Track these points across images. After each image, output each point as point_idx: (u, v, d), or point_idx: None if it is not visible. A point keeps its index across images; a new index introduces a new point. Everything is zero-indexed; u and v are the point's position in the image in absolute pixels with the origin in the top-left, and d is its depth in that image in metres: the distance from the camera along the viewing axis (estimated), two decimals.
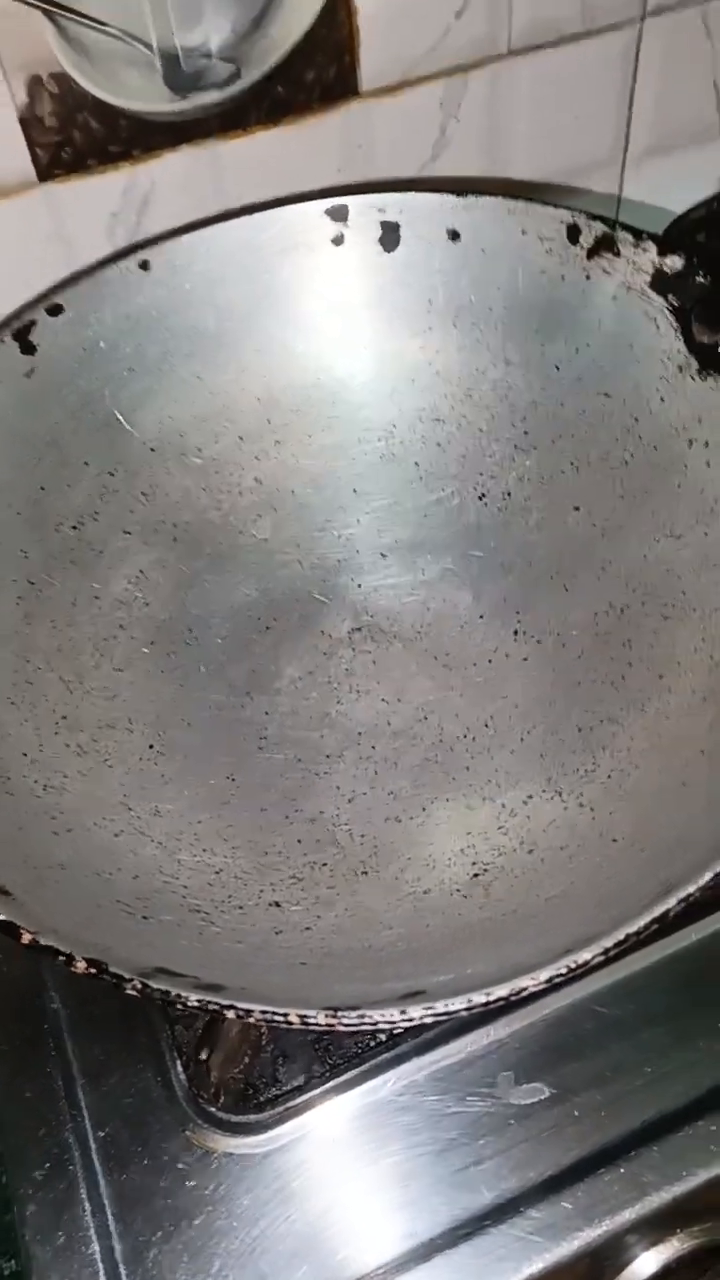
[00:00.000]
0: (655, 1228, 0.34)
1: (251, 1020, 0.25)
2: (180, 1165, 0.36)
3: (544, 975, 0.25)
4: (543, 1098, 0.35)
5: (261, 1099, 0.36)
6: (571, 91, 0.52)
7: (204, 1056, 0.36)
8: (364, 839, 0.36)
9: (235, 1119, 0.36)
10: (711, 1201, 0.34)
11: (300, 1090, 0.36)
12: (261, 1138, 0.36)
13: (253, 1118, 0.36)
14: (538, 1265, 0.33)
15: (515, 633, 0.40)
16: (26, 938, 0.27)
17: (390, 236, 0.44)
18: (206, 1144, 0.36)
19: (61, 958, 0.27)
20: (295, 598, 0.43)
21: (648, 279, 0.41)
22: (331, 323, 0.45)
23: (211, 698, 0.40)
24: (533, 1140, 0.35)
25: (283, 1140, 0.36)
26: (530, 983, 0.25)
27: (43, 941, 0.27)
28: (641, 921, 0.26)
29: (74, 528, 0.43)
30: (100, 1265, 0.34)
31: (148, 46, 0.43)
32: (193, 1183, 0.35)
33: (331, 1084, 0.36)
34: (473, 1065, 0.36)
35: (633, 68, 0.53)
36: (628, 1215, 0.33)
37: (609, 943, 0.26)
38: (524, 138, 0.53)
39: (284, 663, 0.41)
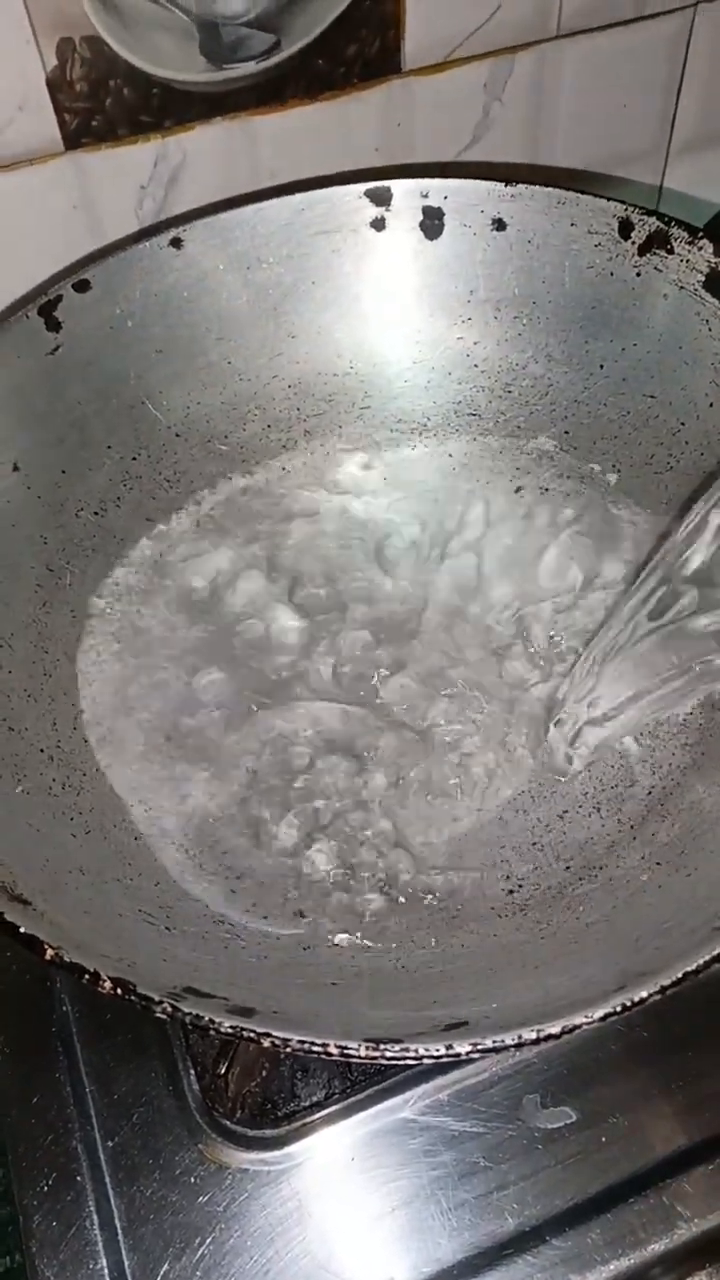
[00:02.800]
0: (683, 1262, 0.33)
1: (288, 1050, 0.24)
2: (193, 1180, 0.35)
3: (598, 1013, 0.24)
4: (569, 1122, 0.34)
5: (279, 1114, 0.35)
6: (618, 78, 0.50)
7: (222, 1070, 0.34)
8: (394, 847, 0.35)
9: (251, 1134, 0.35)
10: None
11: (319, 1106, 0.35)
12: (278, 1154, 0.35)
13: (269, 1133, 0.35)
14: None
15: (550, 636, 0.39)
16: (49, 954, 0.26)
17: (433, 223, 0.43)
18: (220, 1158, 0.35)
19: (86, 977, 0.25)
20: (319, 586, 0.41)
21: (702, 279, 0.39)
22: (369, 309, 0.44)
23: (234, 688, 0.39)
24: (558, 1166, 0.34)
25: (299, 1158, 0.35)
26: (584, 1020, 0.24)
27: (67, 959, 0.26)
28: (699, 960, 0.25)
29: (95, 513, 0.42)
30: None
31: (185, 12, 0.41)
32: (205, 1198, 0.34)
33: (351, 1101, 0.35)
34: (497, 1086, 0.35)
35: (683, 55, 0.51)
36: (656, 1247, 0.32)
37: (665, 980, 0.25)
38: (567, 123, 0.51)
39: (309, 652, 0.40)
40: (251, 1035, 0.24)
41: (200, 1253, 0.33)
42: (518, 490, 0.42)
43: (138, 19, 0.41)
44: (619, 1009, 0.24)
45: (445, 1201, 0.34)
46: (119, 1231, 0.34)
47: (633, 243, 0.41)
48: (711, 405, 0.40)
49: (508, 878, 0.33)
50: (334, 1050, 0.24)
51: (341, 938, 0.32)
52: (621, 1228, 0.33)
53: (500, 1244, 0.33)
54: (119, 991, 0.25)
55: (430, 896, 0.33)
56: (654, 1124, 0.34)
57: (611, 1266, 0.32)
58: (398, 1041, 0.24)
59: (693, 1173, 0.33)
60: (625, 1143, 0.34)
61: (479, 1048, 0.24)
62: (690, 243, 0.40)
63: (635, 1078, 0.35)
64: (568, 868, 0.33)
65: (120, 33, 0.41)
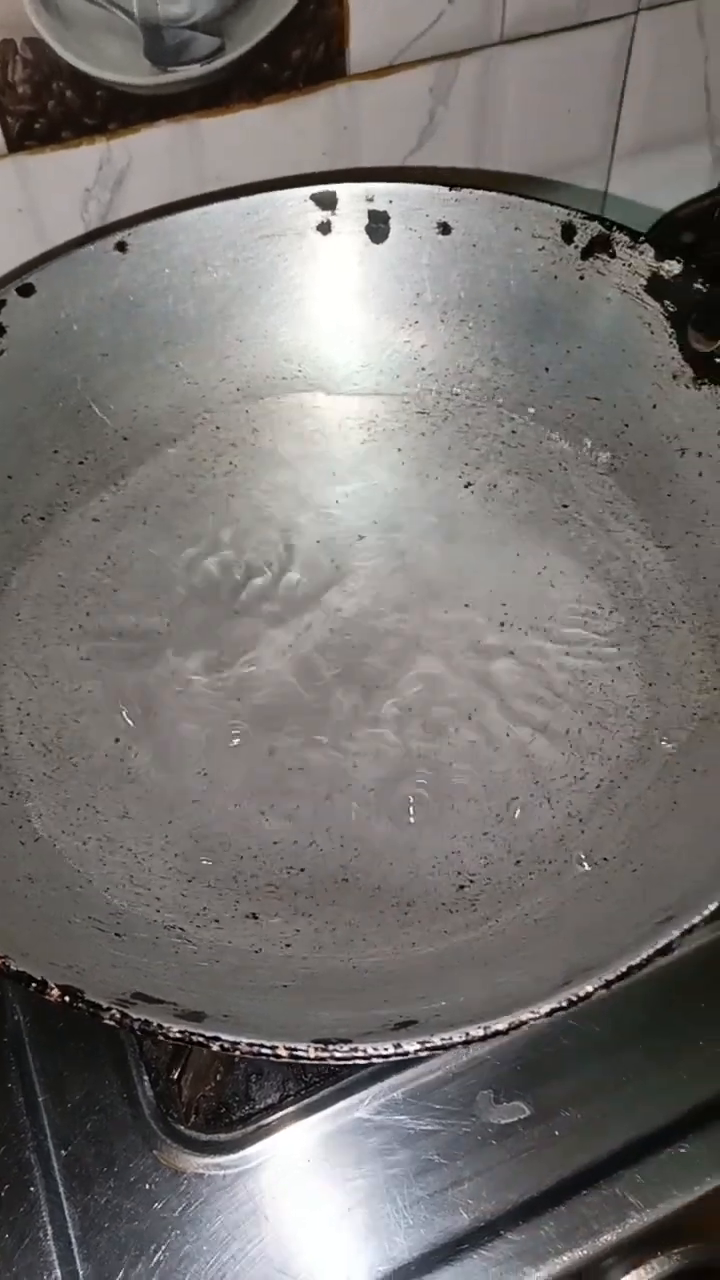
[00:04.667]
0: (636, 1250, 0.33)
1: (237, 1054, 0.24)
2: (148, 1186, 0.34)
3: (544, 1008, 0.24)
4: (522, 1117, 0.35)
5: (233, 1118, 0.35)
6: (563, 83, 0.51)
7: (175, 1075, 0.34)
8: (343, 840, 0.35)
9: (205, 1138, 0.35)
10: (692, 1223, 0.33)
11: (273, 1109, 0.35)
12: (233, 1158, 0.35)
13: (224, 1137, 0.35)
14: None
15: (501, 624, 0.39)
16: None
17: (379, 227, 0.43)
18: (175, 1164, 0.35)
19: (34, 985, 0.25)
20: (270, 578, 0.41)
21: (644, 283, 0.40)
22: (316, 313, 0.44)
23: (181, 686, 0.39)
24: (512, 1160, 0.34)
25: (255, 1160, 0.35)
26: (530, 1016, 0.24)
27: (13, 967, 0.26)
28: (643, 954, 0.25)
29: (41, 518, 0.42)
30: None
31: (129, 15, 0.41)
32: (160, 1204, 0.34)
33: (306, 1102, 0.35)
34: (451, 1083, 0.35)
35: (625, 62, 0.52)
36: (609, 1238, 0.33)
37: (610, 975, 0.25)
38: (512, 128, 0.52)
39: (258, 647, 0.40)
40: (201, 1040, 0.24)
41: (156, 1259, 0.33)
42: (467, 486, 0.43)
43: (80, 21, 0.41)
44: (564, 1004, 0.24)
45: (401, 1200, 0.34)
46: (73, 1241, 0.34)
47: (576, 247, 0.41)
48: (655, 407, 0.41)
49: (459, 872, 0.34)
50: (283, 1052, 0.24)
51: (293, 940, 0.32)
52: (575, 1219, 0.33)
53: (456, 1240, 0.33)
54: (67, 999, 0.25)
55: (383, 893, 0.34)
56: (605, 1117, 0.35)
57: (565, 1258, 0.32)
58: (346, 1042, 0.24)
59: (643, 1163, 0.34)
60: (577, 1136, 0.34)
61: (427, 1046, 0.24)
62: (632, 247, 0.40)
63: (587, 1072, 0.36)
64: (518, 862, 0.34)
65: (63, 35, 0.41)
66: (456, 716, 0.38)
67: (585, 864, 0.32)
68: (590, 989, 0.25)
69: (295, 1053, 0.24)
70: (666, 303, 0.40)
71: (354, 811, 0.36)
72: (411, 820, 0.35)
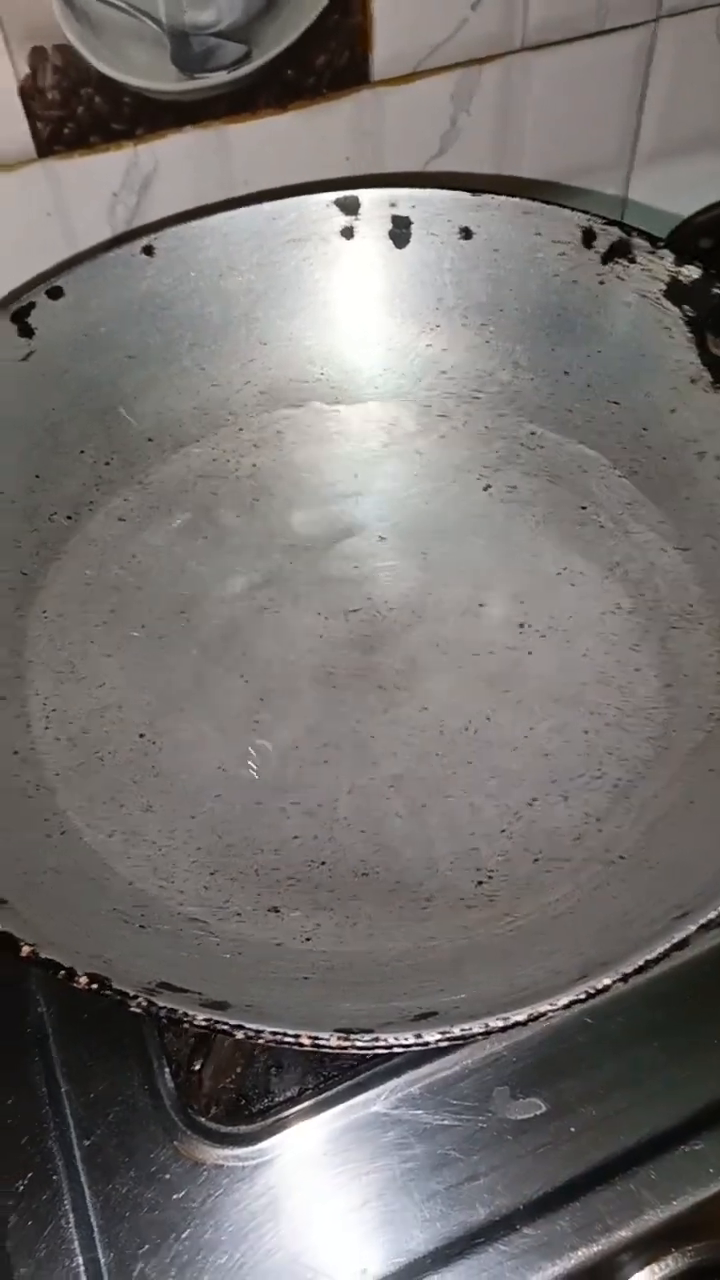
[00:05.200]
0: (650, 1247, 0.33)
1: (261, 1041, 0.25)
2: (168, 1176, 0.35)
3: (562, 1001, 0.25)
4: (539, 1113, 0.35)
5: (253, 1110, 0.36)
6: (583, 90, 0.51)
7: (197, 1067, 0.35)
8: (363, 835, 0.36)
9: (225, 1130, 0.35)
10: (707, 1221, 0.34)
11: (293, 1102, 0.35)
12: (252, 1150, 0.35)
13: (243, 1129, 0.35)
14: None
15: (520, 625, 0.40)
16: (26, 950, 0.26)
17: (401, 231, 0.44)
18: (195, 1155, 0.35)
19: (62, 973, 0.26)
20: (291, 579, 0.42)
21: (663, 287, 0.40)
22: (339, 316, 0.44)
23: (204, 682, 0.39)
24: (528, 1156, 0.34)
25: (274, 1153, 0.35)
26: (549, 1008, 0.25)
27: (43, 955, 0.26)
28: (659, 948, 0.26)
29: (69, 518, 0.42)
30: (84, 1278, 0.33)
31: (157, 23, 0.42)
32: (180, 1195, 0.35)
33: (324, 1096, 0.35)
34: (468, 1079, 0.36)
35: (645, 69, 0.52)
36: (624, 1234, 0.33)
37: (627, 969, 0.25)
38: (533, 134, 0.52)
39: (279, 646, 0.40)
40: (225, 1028, 0.25)
41: (175, 1249, 0.34)
42: (486, 489, 0.43)
43: (109, 28, 0.42)
44: (583, 996, 0.25)
45: (417, 1193, 0.34)
46: (95, 1229, 0.34)
47: (596, 252, 0.42)
48: (673, 411, 0.41)
49: (477, 868, 0.34)
50: (306, 1041, 0.25)
51: (313, 933, 0.33)
52: (590, 1215, 0.33)
53: (472, 1233, 0.33)
54: (95, 987, 0.26)
55: (402, 888, 0.34)
56: (621, 1113, 0.35)
57: (581, 1253, 0.33)
58: (368, 1031, 0.25)
59: (659, 1160, 0.34)
60: (593, 1132, 0.35)
61: (447, 1036, 0.24)
62: (651, 252, 0.41)
63: (603, 1069, 0.36)
64: (535, 859, 0.34)
65: (92, 42, 0.42)
66: (475, 716, 0.38)
67: (602, 862, 0.33)
68: (607, 982, 0.25)
69: (318, 1041, 0.24)
70: (685, 307, 0.40)
71: (374, 807, 0.36)
72: (430, 817, 0.36)
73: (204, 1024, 0.25)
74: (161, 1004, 0.25)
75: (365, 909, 0.33)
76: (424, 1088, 0.36)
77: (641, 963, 0.25)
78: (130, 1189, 0.35)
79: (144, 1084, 0.36)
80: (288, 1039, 0.25)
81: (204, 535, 0.43)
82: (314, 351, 0.45)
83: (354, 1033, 0.25)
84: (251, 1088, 0.36)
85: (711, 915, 0.26)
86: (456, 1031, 0.24)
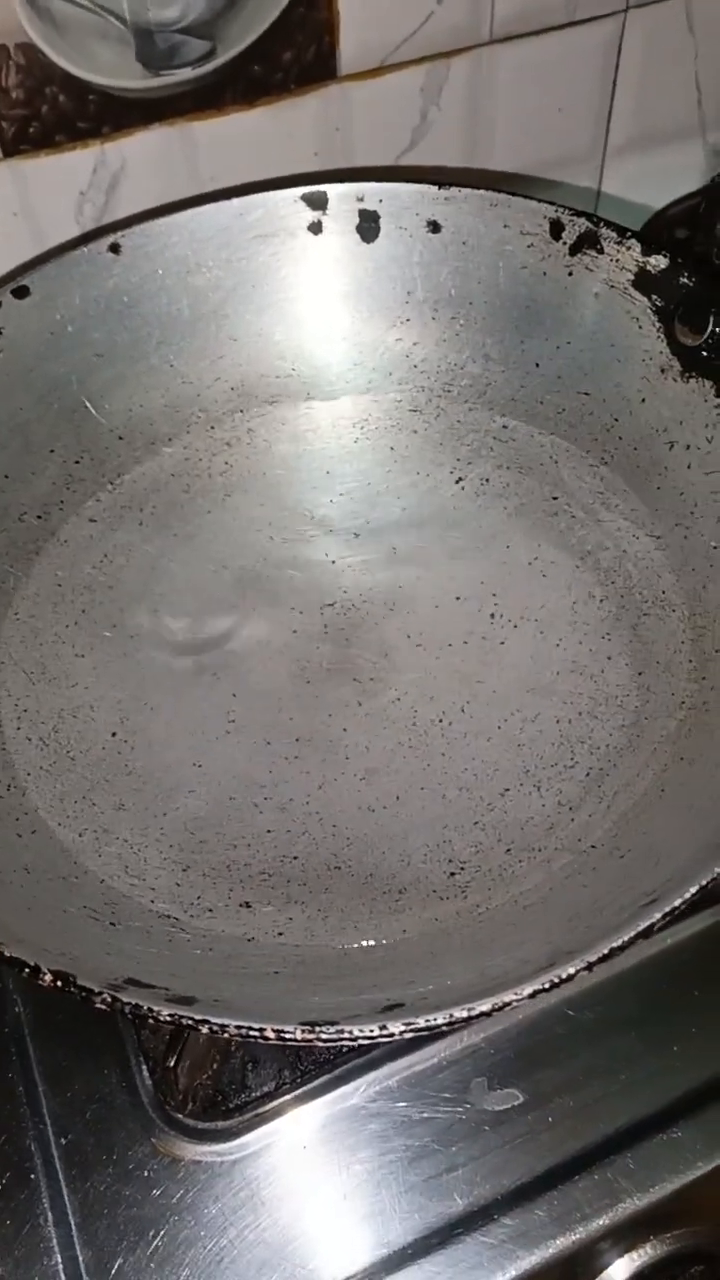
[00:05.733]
0: (628, 1234, 0.33)
1: (226, 1036, 0.25)
2: (146, 1173, 0.35)
3: (527, 990, 0.25)
4: (516, 1104, 0.35)
5: (230, 1105, 0.35)
6: (553, 82, 0.51)
7: (172, 1063, 0.35)
8: (335, 829, 0.36)
9: (203, 1126, 0.35)
10: (684, 1208, 0.34)
11: (270, 1097, 0.35)
12: (230, 1145, 0.35)
13: (221, 1124, 0.35)
14: (511, 1273, 0.32)
15: (491, 616, 0.40)
16: None
17: (369, 226, 0.43)
18: (173, 1151, 0.35)
19: (27, 970, 0.26)
20: (264, 575, 0.42)
21: (631, 277, 0.40)
22: (308, 312, 0.44)
23: (176, 680, 0.39)
24: (506, 1146, 0.34)
25: (252, 1147, 0.35)
26: (513, 997, 0.25)
27: (8, 953, 0.26)
28: (625, 936, 0.26)
29: (39, 517, 0.42)
30: (63, 1276, 0.33)
31: (121, 20, 0.42)
32: (159, 1191, 0.35)
33: (302, 1090, 0.35)
34: (445, 1071, 0.36)
35: (615, 60, 0.52)
36: (601, 1222, 0.33)
37: (592, 957, 0.25)
38: (504, 127, 0.52)
39: (252, 642, 0.40)
40: (190, 1022, 0.25)
41: (154, 1245, 0.34)
42: (458, 482, 0.43)
43: (73, 27, 0.42)
44: (546, 986, 0.25)
45: (396, 1185, 0.34)
46: (73, 1227, 0.34)
47: (564, 243, 0.42)
48: (644, 400, 0.41)
49: (450, 860, 0.34)
50: (270, 1034, 0.25)
51: (285, 928, 0.33)
52: (568, 1204, 0.33)
53: (451, 1224, 0.33)
54: (59, 984, 0.25)
55: (375, 881, 0.34)
56: (598, 1103, 0.35)
57: (559, 1242, 0.33)
58: (333, 1024, 0.25)
59: (636, 1148, 0.34)
60: (571, 1122, 0.35)
61: (412, 1027, 0.24)
62: (619, 243, 0.41)
63: (580, 1059, 0.36)
64: (508, 850, 0.34)
65: (55, 40, 0.42)
66: (449, 707, 0.38)
67: (573, 851, 0.33)
68: (572, 971, 0.25)
69: (283, 1034, 0.24)
70: (654, 297, 0.40)
71: (346, 801, 0.36)
72: (403, 809, 0.36)
73: (169, 1019, 0.25)
74: (126, 999, 0.25)
75: (338, 902, 0.33)
76: (402, 1080, 0.36)
77: (607, 950, 0.25)
78: (108, 1186, 0.35)
79: (121, 1082, 0.36)
80: (252, 1032, 0.25)
81: (175, 533, 0.43)
82: (284, 347, 0.45)
83: (319, 1025, 0.25)
84: (228, 1083, 0.36)
85: (679, 902, 0.26)
86: (421, 1023, 0.24)
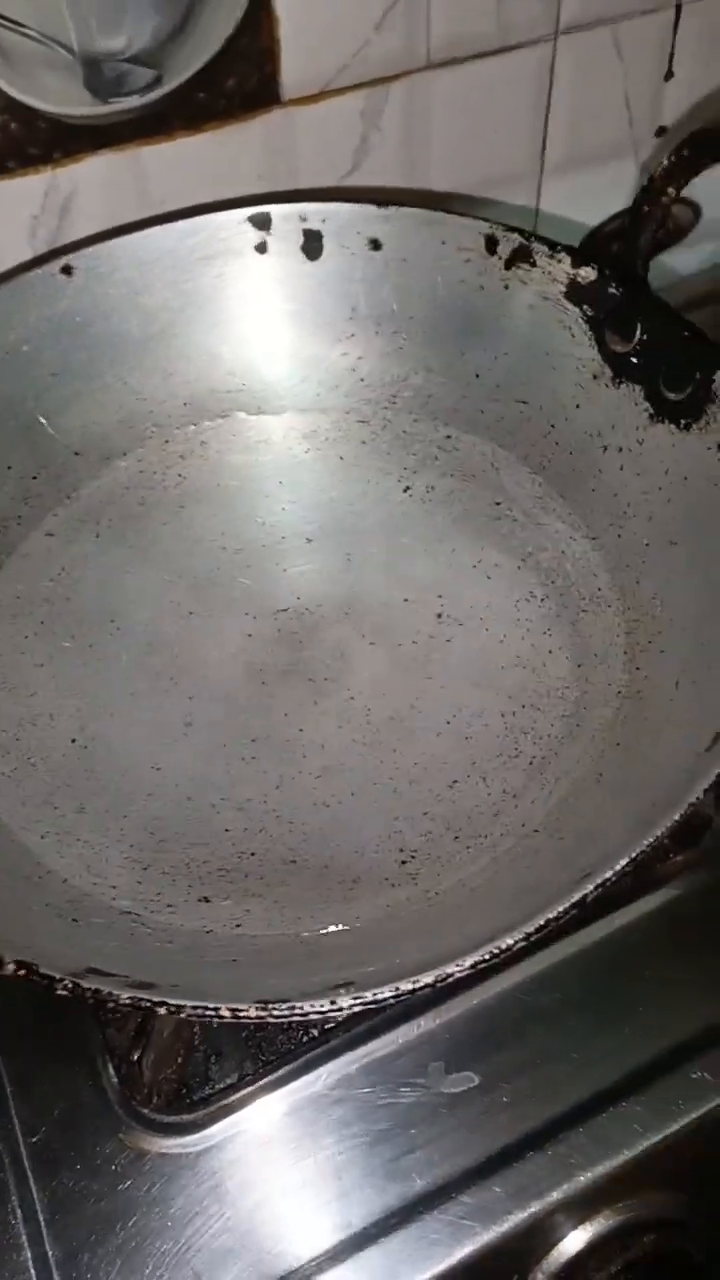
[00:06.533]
0: (582, 1207, 0.35)
1: (183, 1015, 0.26)
2: (113, 1168, 0.36)
3: (469, 961, 0.26)
4: (472, 1085, 0.36)
5: (194, 1098, 0.36)
6: (489, 105, 0.53)
7: (136, 1057, 0.36)
8: (292, 826, 0.37)
9: (168, 1119, 0.36)
10: (635, 1179, 0.35)
11: (233, 1089, 0.36)
12: (194, 1137, 0.36)
13: (185, 1117, 0.36)
14: (469, 1248, 0.33)
15: (439, 615, 0.41)
16: None
17: (313, 245, 0.45)
18: (139, 1145, 0.36)
19: None
20: (219, 583, 0.43)
21: (563, 289, 0.42)
22: (256, 329, 0.46)
23: (134, 686, 0.40)
24: (463, 1127, 0.36)
25: (216, 1139, 0.36)
26: (455, 969, 0.26)
27: None
28: (559, 907, 0.27)
29: None
30: (33, 1271, 0.34)
31: (68, 50, 0.43)
32: (126, 1185, 0.35)
33: (264, 1081, 0.36)
34: (404, 1056, 0.37)
35: (548, 83, 0.54)
36: (556, 1196, 0.34)
37: (530, 928, 0.27)
38: (443, 149, 0.54)
39: (208, 648, 0.41)
40: (148, 1003, 0.26)
41: (121, 1237, 0.34)
42: (405, 490, 0.45)
43: (22, 56, 0.43)
44: (487, 956, 0.26)
45: (358, 1169, 0.35)
46: (42, 1223, 0.35)
47: (499, 257, 0.43)
48: (578, 406, 0.43)
49: (401, 849, 0.35)
50: (226, 1013, 0.26)
51: (243, 920, 0.34)
52: (523, 1179, 0.34)
53: (410, 1204, 0.34)
54: (21, 973, 0.26)
55: (329, 872, 0.35)
56: (551, 1083, 0.36)
57: (515, 1216, 0.34)
58: (285, 1001, 0.26)
59: (587, 1124, 0.35)
60: (525, 1101, 0.36)
61: (360, 1001, 0.25)
62: (550, 256, 0.42)
63: (533, 1041, 0.37)
64: (456, 837, 0.35)
65: (4, 69, 0.43)
66: (400, 704, 0.39)
67: (517, 835, 0.34)
68: (510, 942, 0.26)
69: (237, 1012, 0.25)
70: (585, 307, 0.42)
71: (303, 798, 0.37)
72: (357, 804, 0.37)
73: (128, 1001, 0.26)
74: (87, 985, 0.26)
75: (293, 894, 0.34)
76: (361, 1068, 0.37)
77: (543, 921, 0.27)
78: (76, 1182, 0.35)
79: (88, 1081, 0.37)
80: (208, 1011, 0.26)
81: (131, 545, 0.44)
82: (234, 364, 0.46)
83: (271, 1003, 0.26)
84: (192, 1076, 0.37)
85: (610, 874, 0.28)
86: (369, 996, 0.25)
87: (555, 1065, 0.37)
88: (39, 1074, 0.38)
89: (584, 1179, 0.35)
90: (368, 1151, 0.35)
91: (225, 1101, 0.36)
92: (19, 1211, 0.35)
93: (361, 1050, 0.37)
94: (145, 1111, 0.36)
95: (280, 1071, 0.37)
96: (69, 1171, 0.36)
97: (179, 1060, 0.37)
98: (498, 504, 0.44)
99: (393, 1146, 0.35)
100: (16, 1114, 0.37)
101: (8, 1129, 0.36)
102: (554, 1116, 0.36)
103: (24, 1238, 0.35)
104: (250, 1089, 0.36)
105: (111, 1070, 0.37)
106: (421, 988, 0.26)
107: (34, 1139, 0.36)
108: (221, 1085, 0.37)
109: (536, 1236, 0.34)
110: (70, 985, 0.26)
